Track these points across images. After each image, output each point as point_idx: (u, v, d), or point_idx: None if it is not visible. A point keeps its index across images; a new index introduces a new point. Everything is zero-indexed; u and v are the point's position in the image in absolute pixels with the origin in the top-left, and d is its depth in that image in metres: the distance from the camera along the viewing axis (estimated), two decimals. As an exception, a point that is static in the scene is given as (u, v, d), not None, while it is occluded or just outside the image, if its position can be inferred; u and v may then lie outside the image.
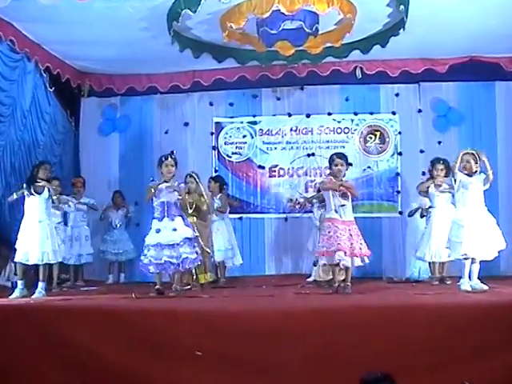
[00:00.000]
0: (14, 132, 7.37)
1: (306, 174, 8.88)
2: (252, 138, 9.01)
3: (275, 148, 8.97)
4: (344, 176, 6.22)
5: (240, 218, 8.81)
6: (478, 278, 5.82)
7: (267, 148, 8.99)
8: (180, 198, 6.16)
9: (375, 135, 8.80)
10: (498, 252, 5.96)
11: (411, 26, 6.56)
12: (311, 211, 8.02)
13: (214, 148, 9.04)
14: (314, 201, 7.73)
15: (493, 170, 5.96)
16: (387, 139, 8.78)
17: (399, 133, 8.75)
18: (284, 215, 8.86)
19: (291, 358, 4.42)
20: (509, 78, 8.40)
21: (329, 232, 5.95)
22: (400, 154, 8.73)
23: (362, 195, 7.76)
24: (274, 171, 8.96)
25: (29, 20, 6.67)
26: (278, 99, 8.95)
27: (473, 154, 5.94)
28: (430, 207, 7.19)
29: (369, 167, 8.77)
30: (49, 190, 6.36)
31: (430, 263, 7.17)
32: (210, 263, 7.28)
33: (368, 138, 8.81)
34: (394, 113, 8.77)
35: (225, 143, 9.06)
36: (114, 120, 9.16)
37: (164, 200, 6.11)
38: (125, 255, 8.32)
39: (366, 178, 8.72)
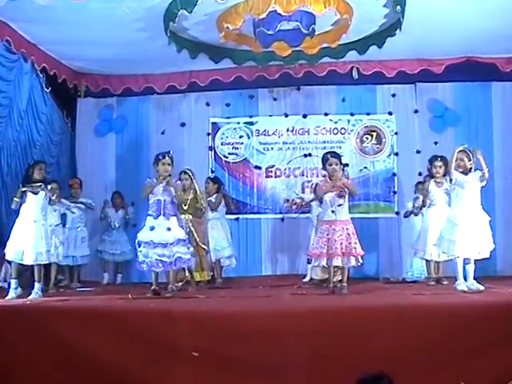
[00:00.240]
0: (11, 133, 7.35)
1: (303, 175, 8.89)
2: (248, 138, 9.01)
3: (272, 148, 8.98)
4: (340, 174, 6.16)
5: (236, 219, 8.80)
6: (474, 278, 5.82)
7: (264, 148, 8.99)
8: (175, 195, 6.16)
9: (372, 136, 8.81)
10: (490, 252, 5.95)
11: (408, 26, 6.56)
12: (309, 211, 8.03)
13: (210, 148, 9.04)
14: (312, 203, 7.74)
15: (489, 169, 5.93)
16: (384, 140, 8.79)
17: (396, 133, 8.76)
18: (281, 215, 8.87)
19: (287, 359, 4.42)
20: (505, 78, 8.42)
21: (327, 234, 5.95)
22: (396, 154, 8.74)
23: (359, 195, 7.76)
24: (271, 171, 8.96)
25: (25, 20, 6.66)
26: (275, 100, 8.96)
27: (466, 151, 5.95)
28: (423, 206, 7.21)
29: (365, 168, 8.78)
30: (45, 191, 6.32)
31: (426, 262, 7.18)
32: (206, 260, 7.29)
33: (364, 139, 8.83)
34: (390, 113, 8.78)
35: (221, 143, 9.06)
36: (111, 120, 9.15)
37: (160, 198, 6.11)
38: (122, 256, 8.32)
39: (363, 178, 8.73)
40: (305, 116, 8.89)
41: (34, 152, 7.75)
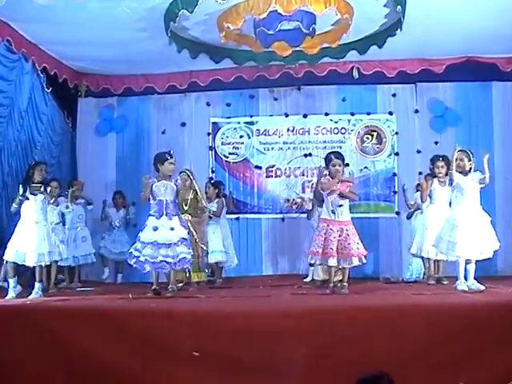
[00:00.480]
0: (12, 133, 7.37)
1: (303, 175, 8.90)
2: (249, 138, 9.02)
3: (272, 148, 8.98)
4: (343, 174, 6.18)
5: (237, 219, 8.81)
6: (475, 278, 5.82)
7: (264, 148, 9.00)
8: (181, 190, 6.19)
9: (372, 135, 8.82)
10: (494, 252, 5.95)
11: (408, 26, 6.57)
12: (308, 218, 7.99)
13: (210, 148, 9.05)
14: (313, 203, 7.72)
15: (489, 169, 5.93)
16: (384, 139, 8.79)
17: (396, 133, 8.77)
18: (281, 215, 8.88)
19: (288, 359, 4.41)
20: (506, 78, 8.42)
21: (325, 233, 5.94)
22: (397, 154, 8.75)
23: (359, 195, 7.74)
24: (271, 171, 8.97)
25: (26, 20, 6.67)
26: (275, 99, 8.97)
27: (466, 151, 5.94)
28: (418, 208, 7.30)
29: (366, 167, 8.78)
30: (45, 192, 6.31)
31: (423, 260, 7.18)
32: (202, 261, 7.27)
33: (365, 139, 8.83)
34: (390, 113, 8.79)
35: (222, 143, 9.07)
36: (111, 120, 9.16)
37: (162, 198, 6.11)
38: (122, 256, 8.30)
39: (363, 178, 8.73)
40: (305, 116, 8.90)
41: (34, 152, 7.77)
